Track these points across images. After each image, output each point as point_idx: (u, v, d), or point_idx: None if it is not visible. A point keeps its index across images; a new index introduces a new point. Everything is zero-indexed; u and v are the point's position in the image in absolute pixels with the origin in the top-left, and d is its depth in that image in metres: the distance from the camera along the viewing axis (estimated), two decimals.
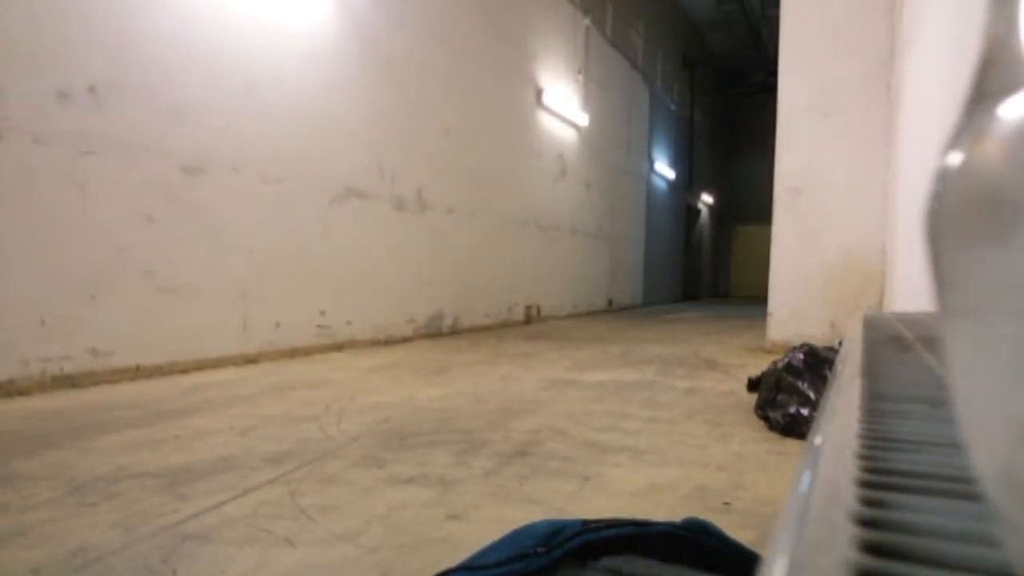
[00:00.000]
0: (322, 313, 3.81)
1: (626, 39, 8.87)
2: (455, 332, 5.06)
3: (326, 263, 3.84)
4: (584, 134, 7.54)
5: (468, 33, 5.22)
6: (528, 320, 6.23)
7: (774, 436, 1.95)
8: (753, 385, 2.47)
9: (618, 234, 8.85)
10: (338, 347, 3.90)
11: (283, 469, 1.53)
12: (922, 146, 2.63)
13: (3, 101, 2.30)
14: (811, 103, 4.27)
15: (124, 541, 1.11)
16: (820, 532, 0.19)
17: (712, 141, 14.51)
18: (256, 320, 3.36)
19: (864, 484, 0.23)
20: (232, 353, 3.22)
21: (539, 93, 6.39)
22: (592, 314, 7.70)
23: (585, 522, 0.76)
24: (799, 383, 2.01)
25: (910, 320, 1.06)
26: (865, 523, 0.20)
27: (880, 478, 0.24)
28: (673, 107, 11.44)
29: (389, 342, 4.31)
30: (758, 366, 2.77)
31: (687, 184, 12.38)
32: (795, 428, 1.92)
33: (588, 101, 7.52)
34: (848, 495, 0.22)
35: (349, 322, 4.00)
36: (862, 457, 0.27)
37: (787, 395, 2.01)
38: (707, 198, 14.04)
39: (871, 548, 0.18)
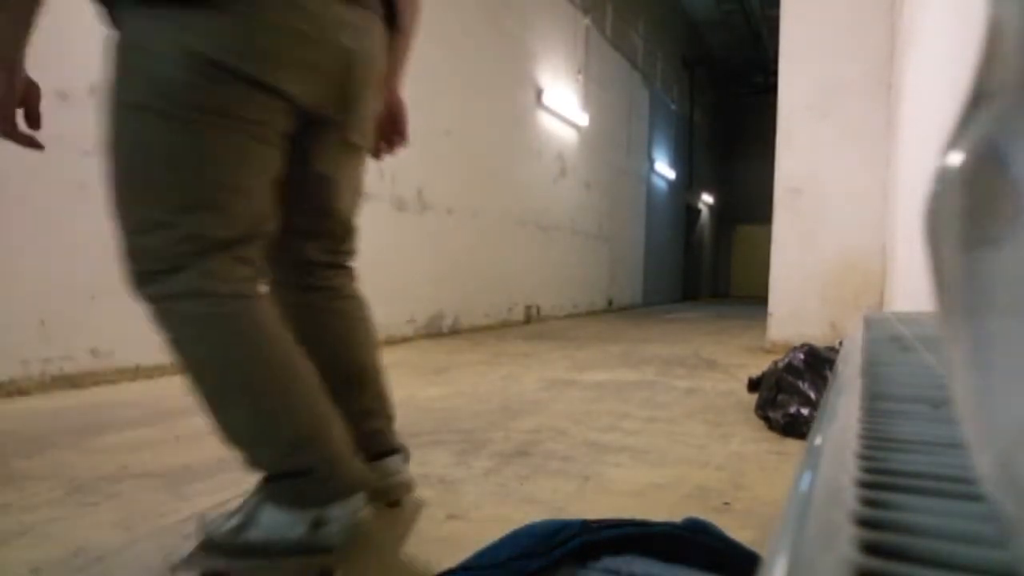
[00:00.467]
0: None
1: (626, 39, 8.87)
2: (455, 332, 5.06)
3: None
4: (584, 134, 7.54)
5: (468, 33, 5.22)
6: (528, 320, 6.23)
7: (774, 436, 1.95)
8: (753, 385, 2.47)
9: (618, 234, 8.85)
10: None
11: None
12: (922, 146, 2.63)
13: None
14: (811, 103, 4.27)
15: (124, 541, 1.11)
16: (820, 532, 0.19)
17: (712, 141, 14.51)
18: None
19: (864, 484, 0.23)
20: None
21: (539, 93, 6.39)
22: (592, 314, 7.70)
23: (585, 522, 0.76)
24: (799, 383, 2.01)
25: (910, 320, 1.06)
26: (865, 523, 0.20)
27: (880, 478, 0.24)
28: (673, 107, 11.44)
29: (389, 342, 4.31)
30: (758, 366, 2.77)
31: (687, 184, 12.38)
32: (795, 428, 1.92)
33: (588, 101, 7.52)
34: (848, 495, 0.22)
35: None
36: (862, 457, 0.27)
37: (787, 395, 2.01)
38: (707, 198, 14.04)
39: (871, 548, 0.18)
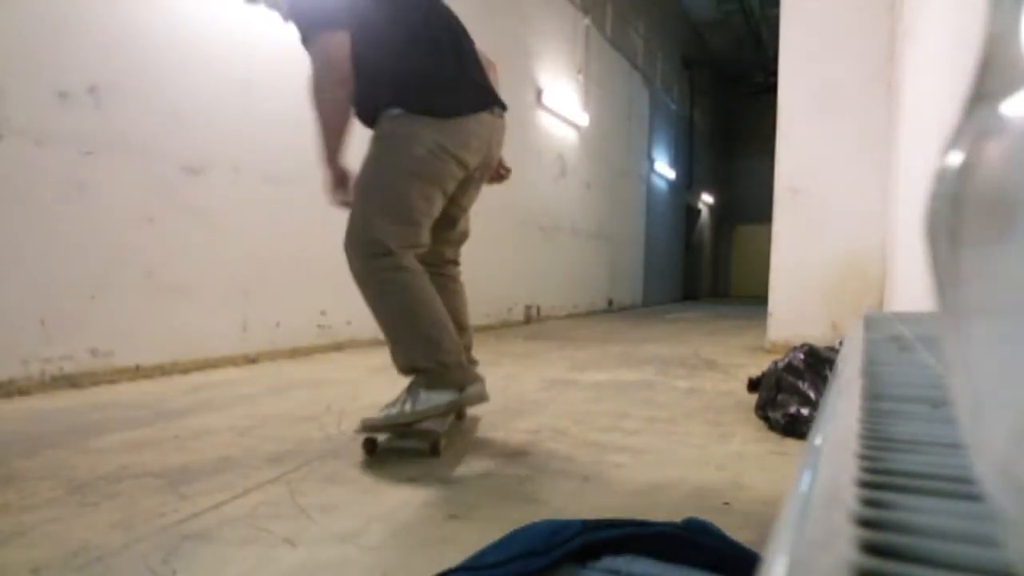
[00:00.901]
0: (322, 313, 3.81)
1: (626, 39, 8.87)
2: None
3: (326, 263, 3.83)
4: (584, 134, 7.54)
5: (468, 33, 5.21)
6: (528, 320, 6.23)
7: (774, 436, 1.95)
8: (753, 385, 2.47)
9: (618, 234, 8.85)
10: (339, 347, 3.90)
11: (283, 469, 1.53)
12: (922, 146, 2.63)
13: (3, 101, 2.30)
14: (811, 103, 4.27)
15: (124, 541, 1.11)
16: (820, 532, 0.19)
17: (712, 141, 14.51)
18: (256, 320, 3.36)
19: (864, 484, 0.23)
20: (232, 353, 3.22)
21: (539, 93, 6.39)
22: (592, 314, 7.70)
23: (585, 522, 0.76)
24: (799, 383, 2.01)
25: (910, 320, 1.06)
26: (865, 523, 0.20)
27: (880, 478, 0.24)
28: (673, 107, 11.44)
29: None
30: (758, 366, 2.77)
31: (687, 184, 12.38)
32: (795, 428, 1.92)
33: (588, 101, 7.52)
34: (848, 495, 0.22)
35: (349, 322, 4.00)
36: (862, 457, 0.27)
37: (787, 395, 2.01)
38: (707, 198, 14.04)
39: (871, 548, 0.18)
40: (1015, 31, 0.16)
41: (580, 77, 7.31)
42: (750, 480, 1.52)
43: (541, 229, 6.55)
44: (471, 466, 1.59)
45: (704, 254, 14.16)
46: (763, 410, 2.09)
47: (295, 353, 3.58)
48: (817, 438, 0.31)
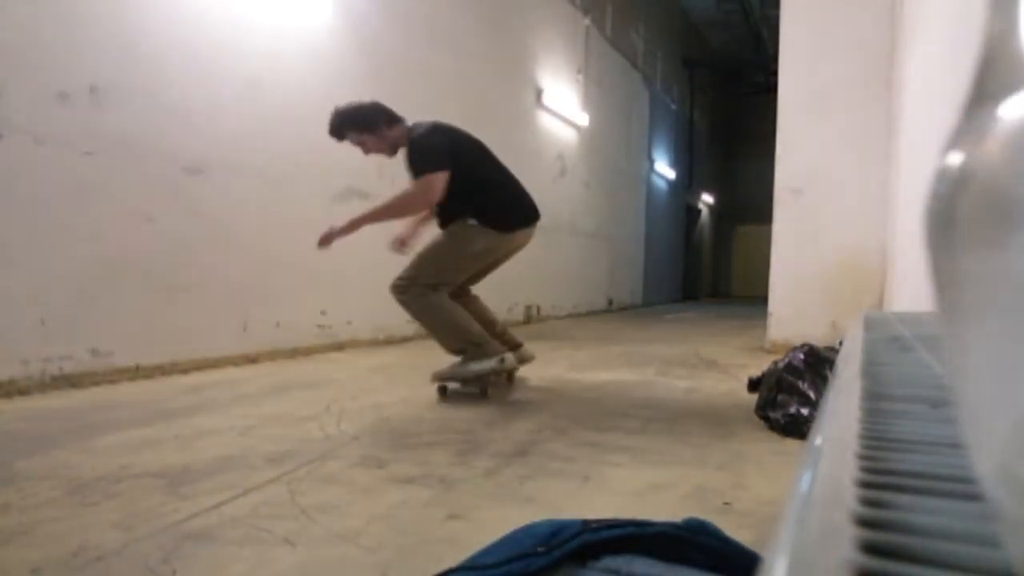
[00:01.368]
0: (322, 313, 3.81)
1: (626, 39, 8.87)
2: None
3: (326, 263, 3.83)
4: (584, 134, 7.54)
5: (468, 33, 5.22)
6: (528, 320, 6.23)
7: (774, 436, 1.95)
8: (753, 385, 2.47)
9: (618, 234, 8.85)
10: (339, 347, 3.90)
11: (283, 469, 1.53)
12: (922, 146, 2.63)
13: (4, 101, 2.30)
14: (811, 103, 4.27)
15: (124, 541, 1.11)
16: (820, 532, 0.19)
17: (712, 141, 14.51)
18: (256, 320, 3.36)
19: (864, 484, 0.23)
20: (232, 353, 3.22)
21: (539, 93, 6.39)
22: (592, 314, 7.70)
23: (585, 522, 0.76)
24: (799, 383, 2.01)
25: (910, 320, 1.06)
26: (865, 523, 0.20)
27: (880, 478, 0.24)
28: (673, 107, 11.44)
29: (389, 342, 4.31)
30: (758, 366, 2.77)
31: (687, 184, 12.38)
32: (795, 428, 1.92)
33: (588, 101, 7.52)
34: (848, 495, 0.22)
35: (350, 322, 4.00)
36: (862, 457, 0.27)
37: (787, 395, 2.01)
38: (707, 198, 14.04)
39: (871, 548, 0.18)
40: (1015, 31, 0.16)
41: (580, 77, 7.31)
42: (750, 480, 1.52)
43: (541, 229, 6.51)
44: (471, 466, 1.59)
45: (704, 254, 14.16)
46: (763, 410, 2.09)
47: (295, 353, 3.58)
48: (817, 438, 0.31)
